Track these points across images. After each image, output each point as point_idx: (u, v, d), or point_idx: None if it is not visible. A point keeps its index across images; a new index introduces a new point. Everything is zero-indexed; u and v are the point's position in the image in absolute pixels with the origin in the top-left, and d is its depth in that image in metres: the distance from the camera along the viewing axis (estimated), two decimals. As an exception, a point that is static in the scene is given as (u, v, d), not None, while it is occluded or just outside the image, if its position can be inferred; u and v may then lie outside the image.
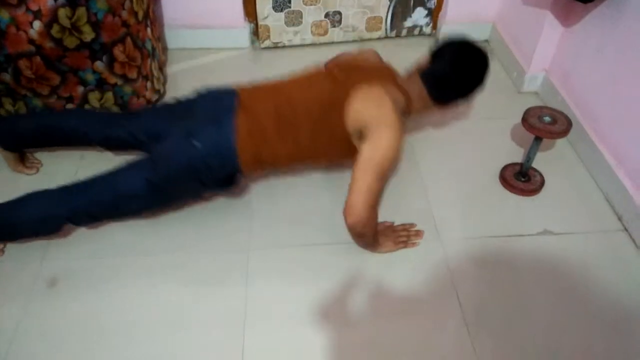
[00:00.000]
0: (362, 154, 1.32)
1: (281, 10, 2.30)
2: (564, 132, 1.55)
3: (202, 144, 1.38)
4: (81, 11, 1.55)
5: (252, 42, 2.43)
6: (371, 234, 1.43)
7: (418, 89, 1.49)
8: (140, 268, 1.48)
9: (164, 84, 2.10)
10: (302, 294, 1.41)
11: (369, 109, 1.37)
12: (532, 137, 1.62)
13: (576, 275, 1.47)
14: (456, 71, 1.47)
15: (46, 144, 1.72)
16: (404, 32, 2.50)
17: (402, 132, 1.35)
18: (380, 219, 1.46)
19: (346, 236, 1.49)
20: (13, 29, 1.52)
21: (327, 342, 1.30)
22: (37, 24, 1.52)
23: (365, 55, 1.66)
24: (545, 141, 1.66)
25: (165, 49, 2.31)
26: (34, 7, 1.50)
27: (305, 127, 1.41)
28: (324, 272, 1.46)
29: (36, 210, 1.40)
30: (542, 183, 1.73)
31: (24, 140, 1.68)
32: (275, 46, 2.43)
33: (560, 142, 1.90)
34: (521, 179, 1.72)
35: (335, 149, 1.47)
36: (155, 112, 1.64)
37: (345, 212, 1.31)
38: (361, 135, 1.37)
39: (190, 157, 1.38)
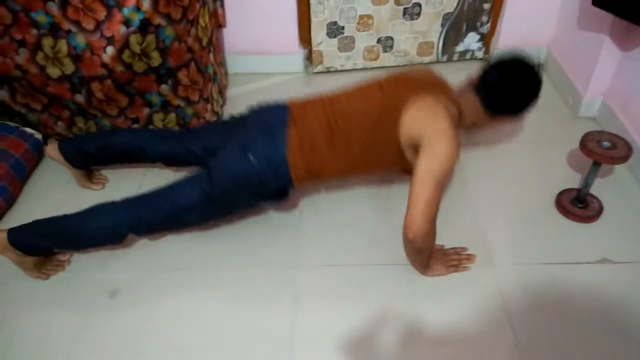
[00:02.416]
0: (419, 166, 1.32)
1: (335, 37, 2.36)
2: (624, 158, 1.51)
3: (256, 158, 1.43)
4: (150, 38, 1.65)
5: (306, 67, 2.51)
6: (430, 249, 1.42)
7: (471, 101, 1.50)
8: (193, 282, 1.53)
9: (223, 106, 2.19)
10: (351, 315, 1.41)
11: (423, 118, 1.38)
12: (589, 162, 1.59)
13: (636, 306, 1.42)
14: (509, 80, 1.48)
15: (109, 161, 1.82)
16: (456, 56, 2.51)
17: (457, 141, 1.35)
18: (432, 241, 1.46)
19: (395, 257, 1.50)
20: (88, 54, 1.64)
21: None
22: (110, 49, 1.63)
23: (419, 70, 1.65)
24: (603, 167, 1.62)
25: (226, 73, 2.42)
26: (108, 34, 1.61)
27: (356, 137, 1.45)
28: (373, 294, 1.47)
29: (102, 221, 1.47)
30: (601, 210, 1.68)
31: (89, 159, 1.78)
32: (328, 71, 2.49)
33: (619, 168, 1.84)
34: (578, 205, 1.68)
35: (387, 158, 1.50)
36: (211, 128, 1.71)
37: (406, 227, 1.31)
38: (415, 146, 1.38)
39: (245, 170, 1.44)
